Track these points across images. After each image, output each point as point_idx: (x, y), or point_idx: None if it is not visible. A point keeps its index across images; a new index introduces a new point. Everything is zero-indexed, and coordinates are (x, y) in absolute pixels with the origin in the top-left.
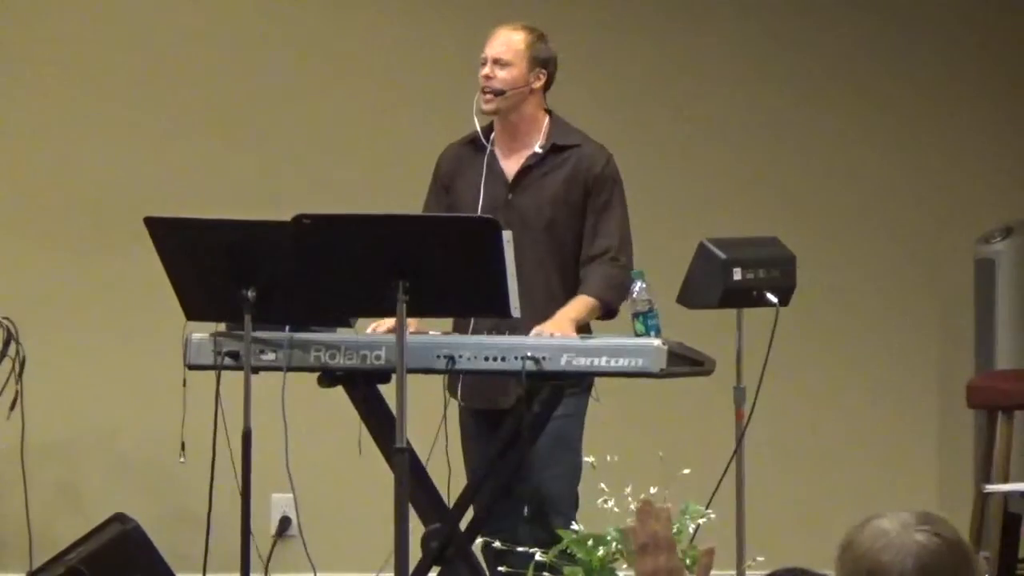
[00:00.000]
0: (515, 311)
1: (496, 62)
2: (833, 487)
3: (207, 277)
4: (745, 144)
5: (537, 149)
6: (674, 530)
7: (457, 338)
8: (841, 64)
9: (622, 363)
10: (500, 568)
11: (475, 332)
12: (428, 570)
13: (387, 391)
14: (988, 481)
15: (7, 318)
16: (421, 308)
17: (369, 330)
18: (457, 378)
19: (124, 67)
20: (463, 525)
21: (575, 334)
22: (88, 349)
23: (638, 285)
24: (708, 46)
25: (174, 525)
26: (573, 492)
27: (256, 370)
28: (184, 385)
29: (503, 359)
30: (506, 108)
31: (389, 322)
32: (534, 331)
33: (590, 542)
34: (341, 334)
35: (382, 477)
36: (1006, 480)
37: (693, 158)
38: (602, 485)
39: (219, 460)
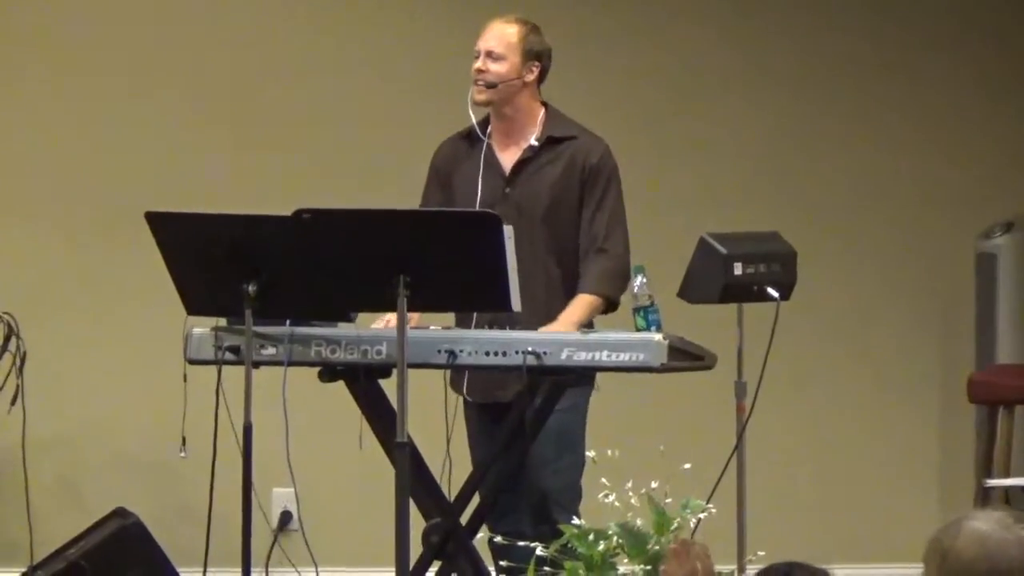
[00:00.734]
0: (515, 305)
1: (489, 55)
2: (834, 482)
3: (208, 272)
4: (746, 139)
5: (533, 142)
6: (674, 525)
7: (458, 333)
8: (842, 59)
9: (623, 358)
10: (502, 562)
11: (476, 326)
12: (429, 565)
13: (388, 386)
14: (989, 476)
15: (8, 313)
16: (421, 303)
17: (378, 325)
18: (461, 373)
19: (125, 62)
20: (464, 520)
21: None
22: (89, 344)
23: (639, 280)
24: (709, 41)
25: (175, 520)
26: (576, 486)
27: (257, 365)
28: (185, 380)
29: (504, 354)
30: (499, 101)
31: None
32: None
33: (591, 536)
34: (342, 329)
35: (383, 472)
36: (1007, 475)
37: (694, 153)
38: (603, 480)
39: (220, 455)
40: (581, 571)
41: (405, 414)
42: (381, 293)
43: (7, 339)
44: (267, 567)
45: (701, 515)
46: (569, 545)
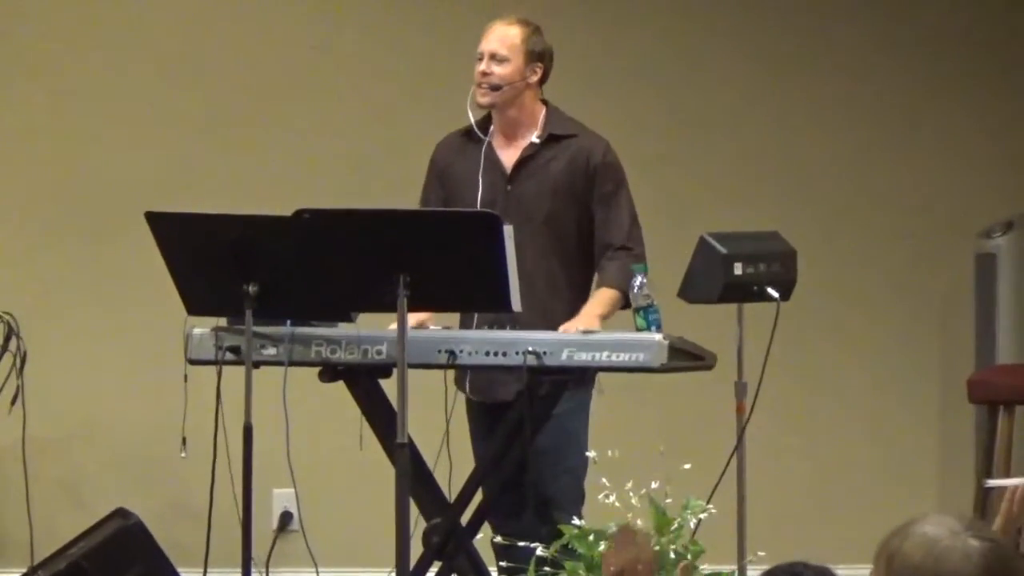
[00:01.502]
0: (515, 306)
1: (493, 57)
2: (834, 482)
3: (208, 272)
4: (746, 138)
5: (534, 139)
6: (674, 526)
7: (458, 333)
8: (842, 58)
9: (623, 358)
10: (502, 563)
11: (477, 326)
12: (429, 565)
13: (388, 386)
14: (989, 476)
15: (8, 313)
16: (422, 303)
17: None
18: (463, 372)
19: (125, 62)
20: (464, 520)
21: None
22: (89, 344)
23: (639, 280)
24: (709, 40)
25: (175, 520)
26: (578, 487)
27: (257, 365)
28: (185, 380)
29: (504, 354)
30: (503, 103)
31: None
32: (562, 328)
33: (591, 537)
34: (342, 329)
35: (383, 472)
36: (1007, 475)
37: (694, 152)
38: (603, 480)
39: (220, 455)
40: (581, 571)
41: (405, 414)
42: (381, 293)
43: (7, 339)
44: (267, 567)
45: (701, 515)
46: (569, 545)
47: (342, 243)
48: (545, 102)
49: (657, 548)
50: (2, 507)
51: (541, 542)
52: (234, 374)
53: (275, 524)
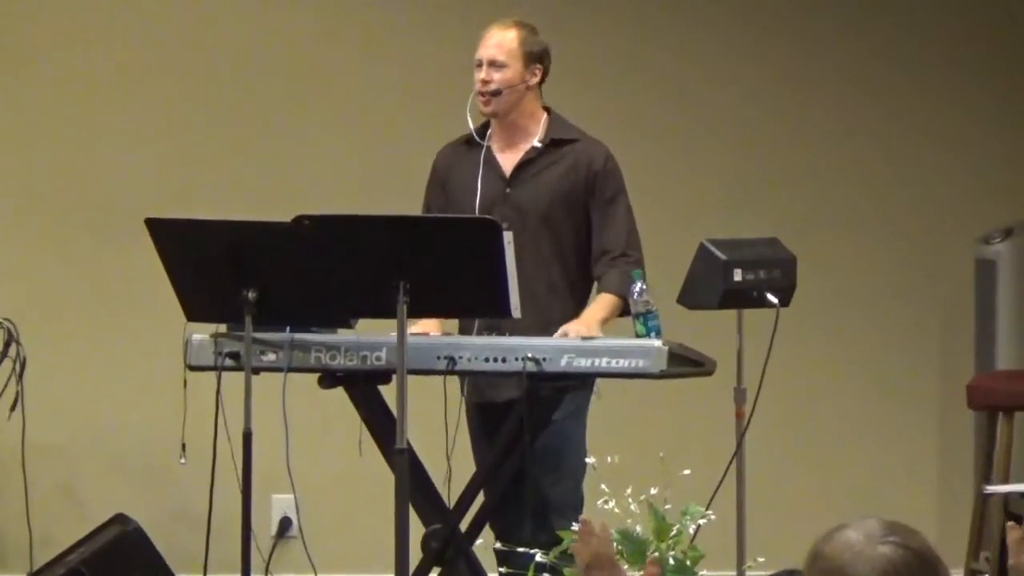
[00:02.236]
0: (515, 312)
1: (491, 64)
2: (833, 488)
3: (208, 278)
4: (746, 144)
5: (536, 143)
6: (673, 532)
7: (458, 339)
8: (842, 63)
9: (623, 364)
10: (502, 569)
11: (477, 332)
12: (429, 571)
13: (387, 392)
14: (988, 482)
15: (8, 319)
16: (422, 309)
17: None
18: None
19: (125, 68)
20: (463, 526)
21: (602, 334)
22: (89, 350)
23: (638, 286)
24: (709, 44)
25: (175, 526)
26: (577, 493)
27: (257, 371)
28: (185, 386)
29: (503, 360)
30: (505, 108)
31: (419, 324)
32: (560, 331)
33: None
34: (342, 335)
35: (383, 478)
36: (1006, 481)
37: (693, 158)
38: (603, 486)
39: (220, 461)
40: None
41: (405, 420)
42: (381, 299)
43: (7, 345)
44: (267, 573)
45: (701, 521)
46: (569, 551)
47: (342, 249)
48: (548, 109)
49: (656, 554)
50: (1, 513)
51: (540, 548)
52: (234, 380)
53: (274, 530)
